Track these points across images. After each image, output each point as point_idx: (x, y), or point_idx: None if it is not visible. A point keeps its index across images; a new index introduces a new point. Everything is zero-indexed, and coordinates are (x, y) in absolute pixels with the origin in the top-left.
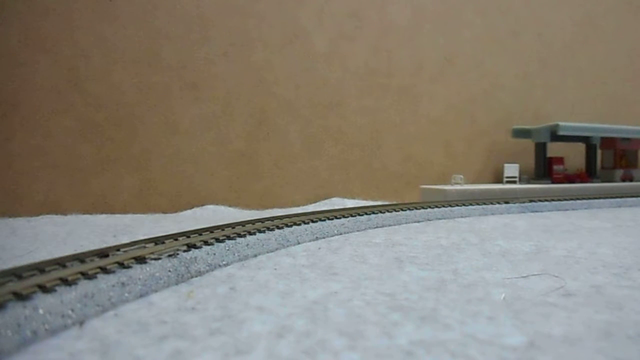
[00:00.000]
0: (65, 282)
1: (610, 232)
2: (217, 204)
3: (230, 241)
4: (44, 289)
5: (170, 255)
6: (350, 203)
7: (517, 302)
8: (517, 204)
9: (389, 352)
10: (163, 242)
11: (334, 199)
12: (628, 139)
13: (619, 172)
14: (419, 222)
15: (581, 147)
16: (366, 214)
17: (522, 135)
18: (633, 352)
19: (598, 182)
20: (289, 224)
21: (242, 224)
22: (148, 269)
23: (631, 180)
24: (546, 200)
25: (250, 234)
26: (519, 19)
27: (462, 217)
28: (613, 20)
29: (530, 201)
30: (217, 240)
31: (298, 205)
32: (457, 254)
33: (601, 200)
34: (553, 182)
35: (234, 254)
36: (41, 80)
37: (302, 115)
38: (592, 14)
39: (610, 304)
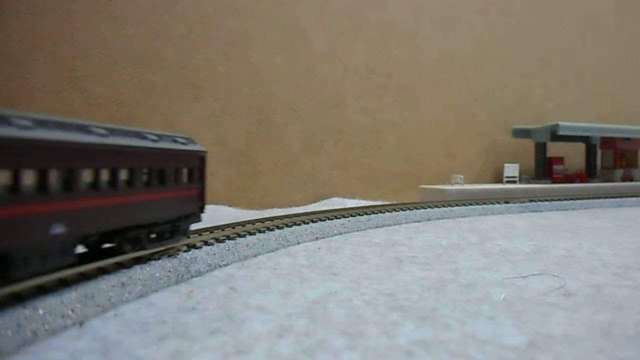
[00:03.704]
0: (65, 282)
1: (610, 231)
2: (216, 204)
3: (230, 241)
4: (44, 289)
5: (170, 256)
6: (350, 203)
7: (517, 302)
8: (517, 204)
9: (389, 352)
10: None
11: (334, 199)
12: (628, 139)
13: (619, 172)
14: (419, 222)
15: (581, 147)
16: (366, 214)
17: (522, 135)
18: (633, 352)
19: (598, 182)
20: (289, 224)
21: (242, 224)
22: (148, 269)
23: (631, 180)
24: (546, 200)
25: (250, 234)
26: (519, 19)
27: (462, 217)
28: (613, 20)
29: (530, 201)
30: (217, 240)
31: (298, 205)
32: (457, 254)
33: (601, 200)
34: (553, 182)
35: (234, 254)
36: (41, 80)
37: (302, 115)
38: (592, 14)
39: (610, 303)
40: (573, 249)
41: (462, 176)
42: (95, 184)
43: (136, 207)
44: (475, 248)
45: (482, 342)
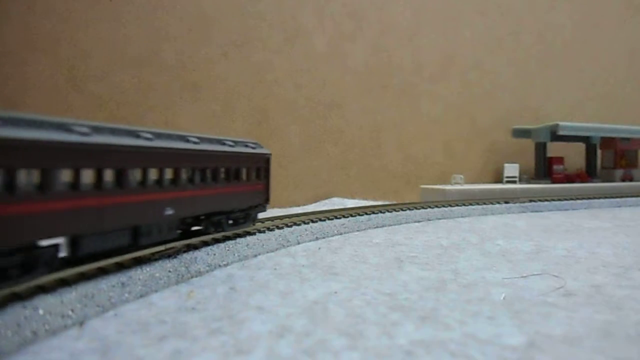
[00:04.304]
0: (65, 282)
1: (610, 231)
2: None
3: (230, 241)
4: (44, 289)
5: (170, 256)
6: (350, 203)
7: (517, 302)
8: (517, 204)
9: (389, 352)
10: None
11: (334, 199)
12: (628, 139)
13: (619, 172)
14: (419, 222)
15: (581, 147)
16: (366, 214)
17: (522, 135)
18: (633, 352)
19: (598, 182)
20: (289, 224)
21: None
22: (148, 269)
23: (631, 180)
24: (546, 200)
25: (250, 234)
26: (519, 19)
27: (462, 217)
28: (613, 20)
29: (530, 201)
30: (217, 240)
31: (298, 205)
32: (457, 254)
33: (601, 200)
34: (553, 182)
35: (234, 254)
36: (41, 80)
37: (302, 115)
38: (592, 14)
39: (610, 303)
40: (573, 249)
41: (462, 176)
42: (191, 179)
43: (219, 197)
44: (475, 248)
45: (482, 342)
